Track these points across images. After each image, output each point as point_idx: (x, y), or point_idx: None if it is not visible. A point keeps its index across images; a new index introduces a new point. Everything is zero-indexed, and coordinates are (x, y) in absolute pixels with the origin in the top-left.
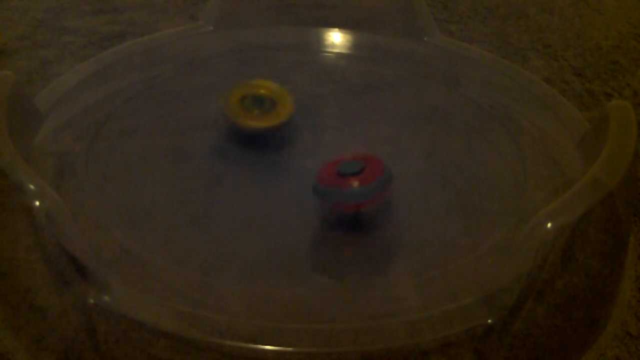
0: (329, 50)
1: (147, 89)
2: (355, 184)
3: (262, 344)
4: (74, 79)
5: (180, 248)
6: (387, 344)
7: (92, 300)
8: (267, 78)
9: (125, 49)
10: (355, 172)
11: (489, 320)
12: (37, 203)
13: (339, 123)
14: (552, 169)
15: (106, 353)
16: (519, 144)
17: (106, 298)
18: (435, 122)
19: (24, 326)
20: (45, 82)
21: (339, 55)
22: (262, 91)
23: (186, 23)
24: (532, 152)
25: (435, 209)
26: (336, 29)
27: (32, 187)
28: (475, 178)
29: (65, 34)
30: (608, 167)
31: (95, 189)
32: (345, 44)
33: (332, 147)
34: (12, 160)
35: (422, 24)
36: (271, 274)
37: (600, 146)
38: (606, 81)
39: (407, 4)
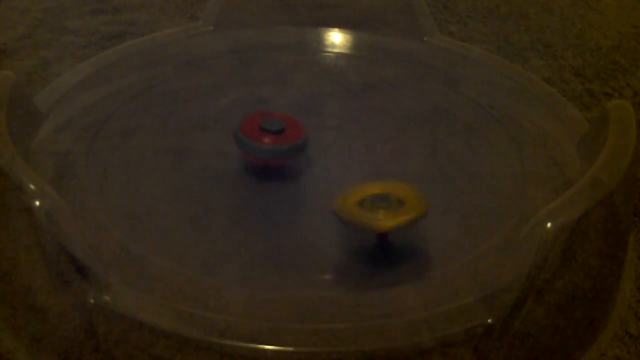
0: (329, 50)
1: (147, 89)
2: (269, 141)
3: (262, 344)
4: (74, 79)
5: (180, 248)
6: (387, 344)
7: (92, 300)
8: (267, 78)
9: (125, 49)
10: (274, 131)
11: (489, 320)
12: (37, 203)
13: (339, 123)
14: (552, 169)
15: (106, 353)
16: (519, 144)
17: (106, 298)
18: (435, 122)
19: (24, 326)
20: (45, 82)
21: (339, 55)
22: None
23: (186, 23)
24: (532, 152)
25: (435, 209)
26: (336, 29)
27: (32, 187)
28: (475, 178)
29: (65, 34)
30: (608, 167)
31: (95, 189)
32: (345, 44)
33: (332, 147)
34: (12, 160)
35: (422, 24)
36: (271, 273)
37: (600, 146)
38: (606, 81)
39: (407, 4)
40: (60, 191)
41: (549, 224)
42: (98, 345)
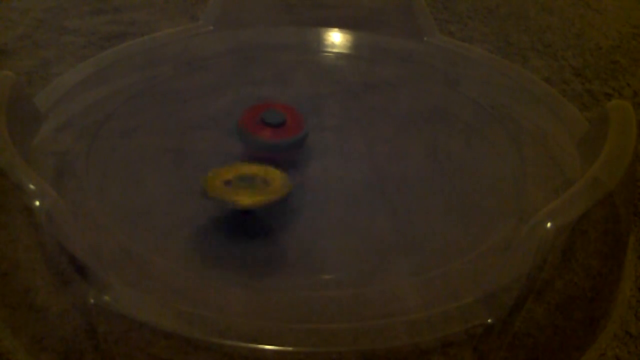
0: (329, 50)
1: (147, 89)
2: (271, 135)
3: (262, 344)
4: (74, 79)
5: (180, 248)
6: (387, 344)
7: (92, 300)
8: (267, 78)
9: (125, 49)
10: (276, 124)
11: (489, 320)
12: (37, 203)
13: (339, 123)
14: (552, 169)
15: (106, 353)
16: (519, 144)
17: (106, 298)
18: (435, 122)
19: (24, 326)
20: (45, 82)
21: (339, 55)
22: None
23: (186, 23)
24: (532, 152)
25: (435, 209)
26: (336, 29)
27: (32, 187)
28: (475, 178)
29: (65, 34)
30: (608, 167)
31: (95, 189)
32: (345, 44)
33: (333, 147)
34: (12, 160)
35: (422, 24)
36: (271, 273)
37: (600, 146)
38: (606, 81)
39: (407, 4)
40: (60, 191)
41: (549, 224)
42: (98, 345)
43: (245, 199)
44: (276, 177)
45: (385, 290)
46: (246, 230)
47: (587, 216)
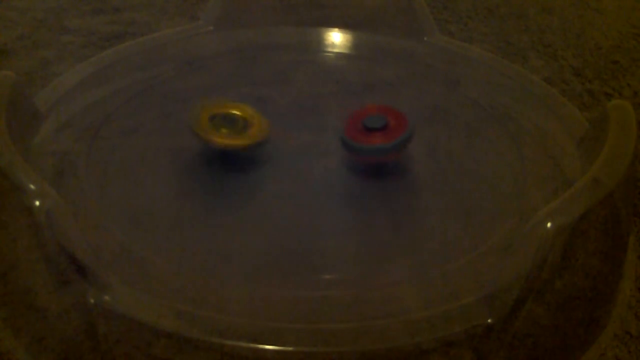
0: (329, 50)
1: (147, 89)
2: (380, 140)
3: (262, 344)
4: (74, 79)
5: (180, 248)
6: (387, 344)
7: (92, 300)
8: (267, 78)
9: (125, 49)
10: (379, 128)
11: (489, 320)
12: (37, 203)
13: (339, 123)
14: (552, 169)
15: (106, 353)
16: (519, 144)
17: (106, 298)
18: (435, 122)
19: (24, 326)
20: (45, 82)
21: (339, 55)
22: (233, 111)
23: (186, 23)
24: (532, 152)
25: (435, 209)
26: (336, 29)
27: (32, 187)
28: (475, 178)
29: (65, 34)
30: (608, 167)
31: (95, 189)
32: (345, 44)
33: (333, 147)
34: (12, 160)
35: (422, 24)
36: (271, 273)
37: (600, 146)
38: (606, 81)
39: (407, 4)
40: (60, 191)
41: (549, 224)
42: (98, 345)
43: (221, 140)
44: (256, 122)
45: (385, 290)
46: (247, 230)
47: (587, 216)
